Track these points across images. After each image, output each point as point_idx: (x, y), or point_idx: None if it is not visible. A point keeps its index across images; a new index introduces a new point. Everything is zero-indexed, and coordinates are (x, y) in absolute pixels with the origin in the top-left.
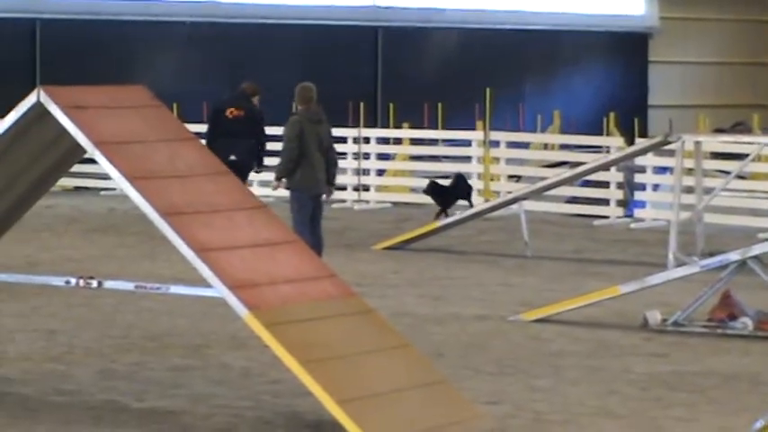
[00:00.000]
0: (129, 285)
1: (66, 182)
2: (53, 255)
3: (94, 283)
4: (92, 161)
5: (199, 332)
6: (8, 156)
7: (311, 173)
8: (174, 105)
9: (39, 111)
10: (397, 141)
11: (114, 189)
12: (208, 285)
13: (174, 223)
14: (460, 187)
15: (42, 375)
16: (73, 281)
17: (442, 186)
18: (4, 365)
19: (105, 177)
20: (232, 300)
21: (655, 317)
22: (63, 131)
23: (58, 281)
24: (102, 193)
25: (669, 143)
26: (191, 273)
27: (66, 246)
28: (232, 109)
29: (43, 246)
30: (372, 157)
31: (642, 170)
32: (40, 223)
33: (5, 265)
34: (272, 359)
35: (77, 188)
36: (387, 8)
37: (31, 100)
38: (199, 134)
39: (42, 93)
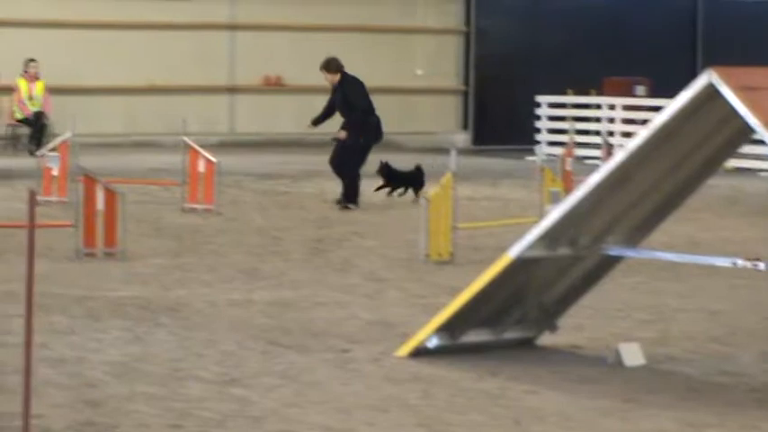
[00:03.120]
0: None
1: (726, 162)
2: (713, 235)
3: (762, 266)
4: (756, 142)
5: None
6: (678, 136)
7: None
8: None
9: (709, 91)
10: None
11: None
12: None
13: None
14: (415, 177)
15: (705, 356)
16: (739, 262)
17: (394, 170)
18: (667, 344)
19: (766, 158)
20: None
21: None
22: (733, 112)
23: (724, 261)
24: (762, 174)
25: None
26: None
27: (726, 227)
28: None
29: (704, 226)
30: None
31: None
32: (701, 203)
33: (668, 244)
34: None
35: (738, 169)
36: None
37: (702, 81)
38: None
39: (714, 74)
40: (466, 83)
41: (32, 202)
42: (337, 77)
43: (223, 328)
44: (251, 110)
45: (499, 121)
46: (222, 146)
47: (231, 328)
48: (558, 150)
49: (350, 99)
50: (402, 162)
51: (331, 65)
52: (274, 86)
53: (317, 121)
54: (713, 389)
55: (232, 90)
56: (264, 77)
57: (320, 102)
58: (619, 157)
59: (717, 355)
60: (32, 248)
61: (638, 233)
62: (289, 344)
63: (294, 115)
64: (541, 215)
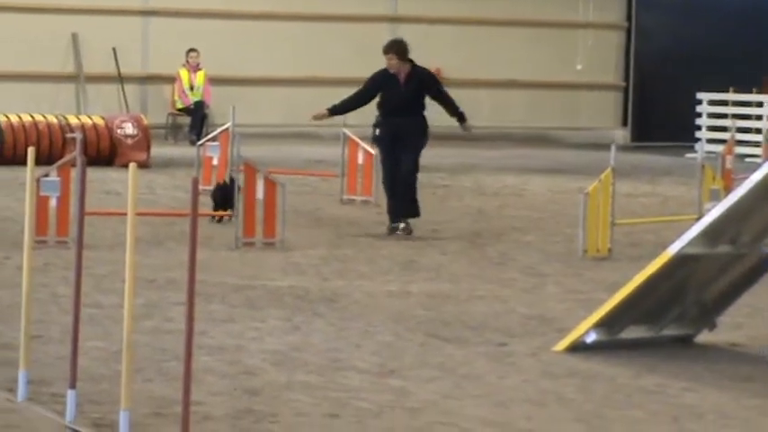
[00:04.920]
0: None
1: None
2: None
3: None
4: None
5: None
6: None
7: None
8: None
9: None
10: None
11: None
12: None
13: None
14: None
15: None
16: None
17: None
18: None
19: None
20: None
21: None
22: None
23: None
24: None
25: None
26: None
27: None
28: None
29: None
30: None
31: None
32: None
33: None
34: None
35: None
36: None
37: None
38: None
39: None
40: (626, 79)
41: (195, 191)
42: (407, 66)
43: (381, 320)
44: None
45: (659, 117)
46: None
47: (389, 319)
48: (718, 148)
49: (445, 93)
50: (564, 157)
51: (405, 50)
52: None
53: (337, 111)
54: None
55: None
56: None
57: (481, 95)
58: None
59: None
60: (195, 237)
61: None
62: (446, 336)
63: None
64: (700, 213)
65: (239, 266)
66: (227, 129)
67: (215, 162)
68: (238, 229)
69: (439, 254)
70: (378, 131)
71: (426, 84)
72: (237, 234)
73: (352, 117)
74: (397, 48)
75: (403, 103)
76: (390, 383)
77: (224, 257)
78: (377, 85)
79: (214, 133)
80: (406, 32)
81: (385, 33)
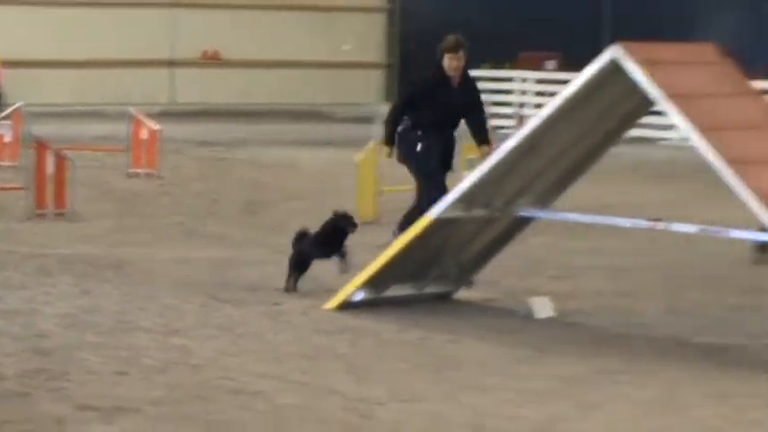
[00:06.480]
0: (693, 228)
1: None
2: (618, 199)
3: (661, 225)
4: (657, 113)
5: (752, 274)
6: (584, 106)
7: None
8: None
9: (614, 65)
10: None
11: (671, 140)
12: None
13: (739, 172)
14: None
15: (611, 309)
16: (642, 222)
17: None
18: (577, 298)
19: (664, 128)
20: None
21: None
22: (635, 85)
23: (628, 222)
24: (661, 143)
25: None
26: (746, 219)
27: (630, 191)
28: None
29: (610, 190)
30: None
31: None
32: (607, 170)
33: (578, 206)
34: None
35: (636, 138)
36: None
37: (607, 55)
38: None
39: (619, 48)
40: (390, 57)
41: None
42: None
43: (164, 284)
44: (190, 82)
45: None
46: (163, 115)
47: (172, 283)
48: None
49: (480, 100)
50: (335, 130)
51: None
52: (211, 60)
53: (392, 136)
54: (619, 339)
55: (172, 64)
56: (203, 52)
57: (257, 75)
58: (530, 125)
59: (622, 309)
60: None
61: (547, 196)
62: (225, 298)
63: (230, 87)
64: (459, 180)
65: (31, 236)
66: (18, 108)
67: (7, 139)
68: (30, 202)
69: (218, 222)
70: (420, 146)
71: (475, 90)
72: (30, 206)
73: (136, 95)
74: (465, 45)
75: (455, 113)
76: (174, 342)
77: (17, 228)
78: (428, 93)
79: (6, 112)
80: (185, 17)
81: (165, 18)
